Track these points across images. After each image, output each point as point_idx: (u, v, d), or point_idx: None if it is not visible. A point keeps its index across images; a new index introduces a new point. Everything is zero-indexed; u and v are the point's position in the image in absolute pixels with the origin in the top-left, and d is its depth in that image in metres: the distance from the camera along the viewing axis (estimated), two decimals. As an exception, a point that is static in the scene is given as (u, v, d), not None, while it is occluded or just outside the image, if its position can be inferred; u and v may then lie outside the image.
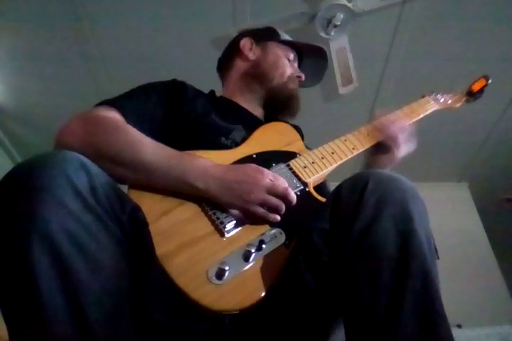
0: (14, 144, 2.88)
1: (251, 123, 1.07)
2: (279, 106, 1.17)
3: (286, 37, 1.26)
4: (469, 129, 2.80)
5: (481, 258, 2.92)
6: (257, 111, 1.18)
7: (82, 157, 0.66)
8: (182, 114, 1.01)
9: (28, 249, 0.55)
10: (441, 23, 2.11)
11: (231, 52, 1.25)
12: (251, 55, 1.20)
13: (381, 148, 1.05)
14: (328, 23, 2.05)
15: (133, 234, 0.69)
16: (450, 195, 3.16)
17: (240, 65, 1.22)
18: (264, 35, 1.25)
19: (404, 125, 1.07)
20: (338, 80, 2.27)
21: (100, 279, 0.60)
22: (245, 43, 1.22)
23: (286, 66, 1.19)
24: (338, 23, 2.03)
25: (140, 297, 0.67)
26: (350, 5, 1.99)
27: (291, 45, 1.24)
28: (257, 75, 1.18)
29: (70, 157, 0.64)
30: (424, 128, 3.08)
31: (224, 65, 1.27)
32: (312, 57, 1.28)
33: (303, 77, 1.21)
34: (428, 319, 0.63)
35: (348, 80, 2.27)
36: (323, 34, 2.11)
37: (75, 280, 0.57)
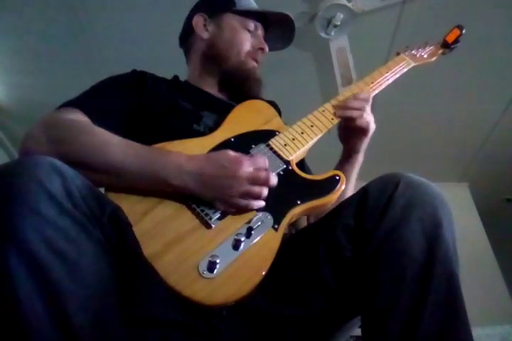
0: (14, 144, 2.88)
1: (219, 108, 1.02)
2: (237, 89, 1.09)
3: (245, 4, 1.14)
4: (469, 129, 2.80)
5: (481, 258, 2.92)
6: (222, 94, 1.11)
7: (54, 160, 0.63)
8: (146, 105, 0.96)
9: (4, 259, 0.53)
10: (441, 23, 2.10)
11: (186, 31, 1.17)
12: (205, 35, 1.11)
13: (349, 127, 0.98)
14: (328, 23, 2.04)
15: (115, 236, 0.66)
16: (450, 195, 3.13)
17: (196, 46, 1.14)
18: (219, 7, 1.13)
19: (366, 97, 0.99)
20: (338, 80, 2.27)
21: (82, 284, 0.58)
22: (198, 21, 1.12)
23: (244, 41, 1.10)
24: (338, 23, 2.03)
25: (134, 295, 0.67)
26: (350, 5, 1.99)
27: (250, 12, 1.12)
28: (213, 57, 1.10)
29: (41, 161, 0.61)
30: (424, 129, 3.08)
31: (183, 46, 1.20)
32: (278, 21, 1.17)
33: (266, 49, 1.12)
34: (450, 323, 0.64)
35: (348, 80, 2.27)
36: (323, 34, 2.11)
37: (55, 288, 0.55)
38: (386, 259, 0.68)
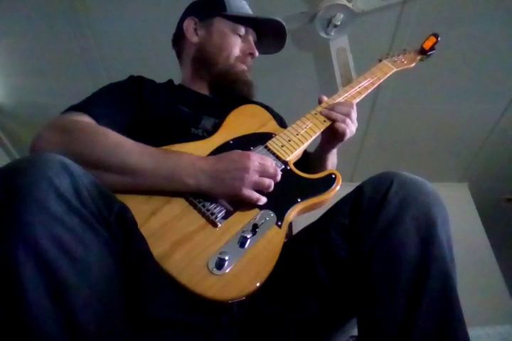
0: (14, 144, 2.88)
1: (217, 111, 1.04)
2: (227, 91, 1.12)
3: (236, 8, 1.14)
4: (469, 129, 2.80)
5: (481, 258, 2.92)
6: (216, 97, 1.13)
7: (64, 158, 0.63)
8: (146, 109, 0.98)
9: (12, 255, 0.53)
10: (441, 23, 2.11)
11: (178, 34, 1.18)
12: (195, 39, 1.13)
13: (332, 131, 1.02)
14: (328, 23, 2.04)
15: (122, 235, 0.67)
16: (450, 195, 3.14)
17: (187, 50, 1.16)
18: (210, 11, 1.14)
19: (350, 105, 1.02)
20: (338, 80, 2.27)
21: (89, 282, 0.58)
22: (188, 25, 1.14)
23: (233, 45, 1.11)
24: (338, 23, 2.03)
25: (140, 295, 0.67)
26: (350, 5, 1.99)
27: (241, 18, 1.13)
28: (202, 60, 1.12)
29: (51, 159, 0.62)
30: (424, 129, 3.08)
31: (175, 48, 1.21)
32: (269, 26, 1.19)
33: (256, 53, 1.15)
34: (446, 323, 0.63)
35: (348, 80, 2.27)
36: (323, 34, 2.11)
37: (62, 285, 0.55)
38: (381, 259, 0.68)
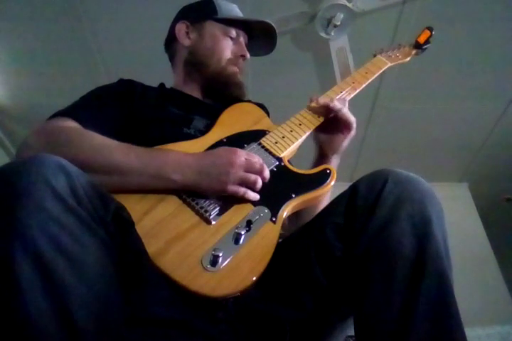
0: (14, 144, 2.88)
1: (207, 111, 1.05)
2: (220, 94, 1.12)
3: (227, 11, 1.15)
4: (469, 129, 2.80)
5: (481, 258, 2.92)
6: (208, 99, 1.14)
7: (60, 159, 0.63)
8: (136, 113, 0.99)
9: (9, 255, 0.53)
10: (441, 23, 2.11)
11: (170, 38, 1.20)
12: (187, 42, 1.14)
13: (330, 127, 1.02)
14: (328, 23, 2.05)
15: (119, 234, 0.67)
16: (450, 195, 3.16)
17: (179, 53, 1.17)
18: (201, 14, 1.16)
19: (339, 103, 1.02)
20: (338, 80, 2.27)
21: (86, 282, 0.58)
22: (180, 29, 1.15)
23: (225, 48, 1.12)
24: (338, 23, 2.03)
25: (137, 295, 0.67)
26: (350, 5, 1.99)
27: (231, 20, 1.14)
28: (195, 63, 1.13)
29: (47, 160, 0.62)
30: (424, 129, 3.08)
31: (167, 52, 1.23)
32: (260, 29, 1.19)
33: (247, 56, 1.15)
34: (442, 322, 0.63)
35: (348, 80, 2.27)
36: (323, 34, 2.11)
37: (59, 285, 0.55)
38: (376, 258, 0.68)
